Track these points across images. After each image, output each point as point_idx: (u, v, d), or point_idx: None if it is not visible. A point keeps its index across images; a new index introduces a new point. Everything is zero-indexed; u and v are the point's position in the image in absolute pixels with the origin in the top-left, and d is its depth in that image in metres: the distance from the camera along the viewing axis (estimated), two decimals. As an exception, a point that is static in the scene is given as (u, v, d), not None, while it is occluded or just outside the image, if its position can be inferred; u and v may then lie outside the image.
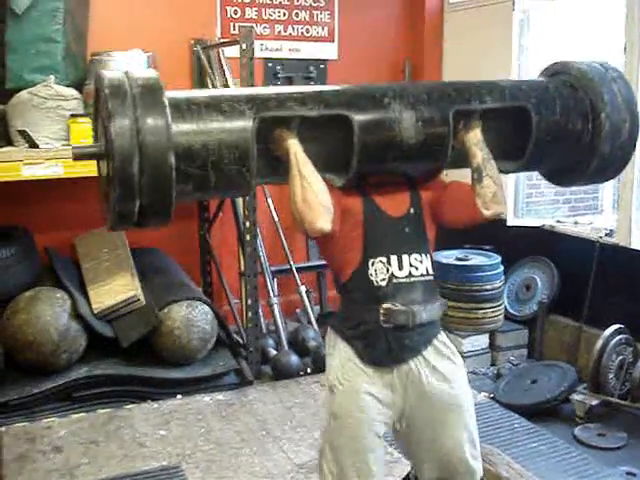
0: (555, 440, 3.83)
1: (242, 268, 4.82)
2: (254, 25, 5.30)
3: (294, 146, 2.25)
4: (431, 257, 2.50)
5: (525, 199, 5.37)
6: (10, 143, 4.16)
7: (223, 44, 5.01)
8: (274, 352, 4.79)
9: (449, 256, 5.01)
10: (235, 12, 5.41)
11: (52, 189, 4.43)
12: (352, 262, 2.43)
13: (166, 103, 2.06)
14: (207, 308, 4.51)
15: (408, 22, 5.99)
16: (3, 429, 3.91)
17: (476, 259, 4.96)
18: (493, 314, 4.83)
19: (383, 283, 2.39)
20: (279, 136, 2.27)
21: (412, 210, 2.48)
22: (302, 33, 5.66)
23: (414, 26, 5.98)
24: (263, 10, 5.50)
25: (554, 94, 2.54)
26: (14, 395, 4.01)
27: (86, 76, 4.47)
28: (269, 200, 5.16)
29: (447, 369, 2.48)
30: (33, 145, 3.96)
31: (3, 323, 4.17)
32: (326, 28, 5.74)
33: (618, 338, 4.12)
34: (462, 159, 2.44)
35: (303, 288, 5.08)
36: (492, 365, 4.88)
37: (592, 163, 2.58)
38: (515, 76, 5.08)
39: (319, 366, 4.36)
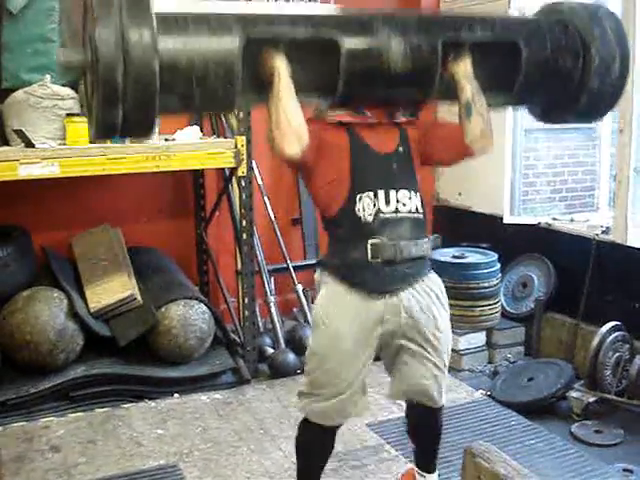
0: (552, 437, 3.84)
1: (239, 267, 4.82)
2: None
3: (280, 66, 2.26)
4: (421, 196, 2.56)
5: (521, 197, 5.38)
6: (6, 143, 4.15)
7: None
8: (271, 351, 4.79)
9: (446, 254, 5.02)
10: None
11: (49, 188, 4.42)
12: (339, 198, 2.48)
13: (153, 15, 2.06)
14: (204, 307, 4.51)
15: (404, 20, 5.98)
16: (0, 429, 3.91)
17: (473, 257, 4.97)
18: (490, 312, 4.84)
19: (370, 218, 2.45)
20: (266, 55, 2.27)
21: (400, 148, 2.53)
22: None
23: (410, 24, 5.97)
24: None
25: (545, 31, 2.55)
26: (11, 395, 4.01)
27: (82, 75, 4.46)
28: (266, 199, 5.16)
29: (434, 307, 2.60)
30: (29, 145, 3.95)
31: (0, 323, 4.17)
32: (322, 27, 5.72)
33: (615, 335, 4.12)
34: (451, 91, 2.45)
35: (300, 287, 5.08)
36: (489, 363, 4.88)
37: (581, 99, 2.59)
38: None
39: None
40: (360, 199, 2.45)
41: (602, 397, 4.05)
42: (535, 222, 5.13)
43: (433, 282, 2.65)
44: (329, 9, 2.49)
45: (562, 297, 4.85)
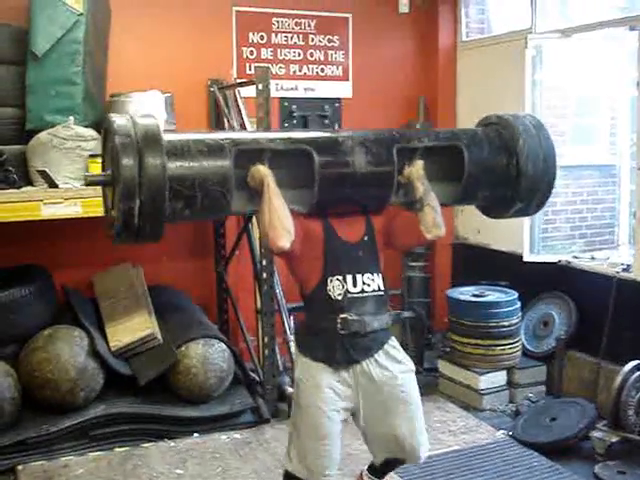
0: (575, 478, 3.80)
1: (258, 306, 4.83)
2: (270, 65, 5.36)
3: (267, 178, 2.67)
4: (382, 276, 2.96)
5: (541, 234, 5.37)
6: (30, 183, 4.22)
7: (239, 84, 5.07)
8: (291, 390, 4.77)
9: (465, 293, 5.01)
10: (251, 52, 5.49)
11: (71, 228, 4.47)
12: (314, 279, 2.88)
13: (163, 145, 2.49)
14: (224, 346, 4.52)
15: (422, 60, 6.06)
16: (21, 467, 3.91)
17: (493, 295, 4.95)
18: (510, 351, 4.81)
19: (340, 297, 2.85)
20: (255, 169, 2.69)
21: (366, 237, 2.95)
22: (317, 72, 5.73)
23: (428, 64, 6.04)
24: (278, 50, 5.58)
25: (482, 136, 3.05)
26: (32, 433, 4.02)
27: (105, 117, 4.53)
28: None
29: (397, 369, 2.93)
30: (53, 185, 4.01)
31: (21, 361, 4.19)
32: (340, 67, 5.80)
33: (637, 374, 4.07)
34: (408, 195, 2.92)
35: (319, 325, 5.07)
36: (510, 402, 4.83)
37: (522, 183, 3.00)
38: (529, 111, 5.08)
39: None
40: (331, 281, 2.85)
41: (625, 437, 3.99)
42: (555, 260, 5.11)
43: (392, 347, 2.97)
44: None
45: (583, 335, 4.81)
